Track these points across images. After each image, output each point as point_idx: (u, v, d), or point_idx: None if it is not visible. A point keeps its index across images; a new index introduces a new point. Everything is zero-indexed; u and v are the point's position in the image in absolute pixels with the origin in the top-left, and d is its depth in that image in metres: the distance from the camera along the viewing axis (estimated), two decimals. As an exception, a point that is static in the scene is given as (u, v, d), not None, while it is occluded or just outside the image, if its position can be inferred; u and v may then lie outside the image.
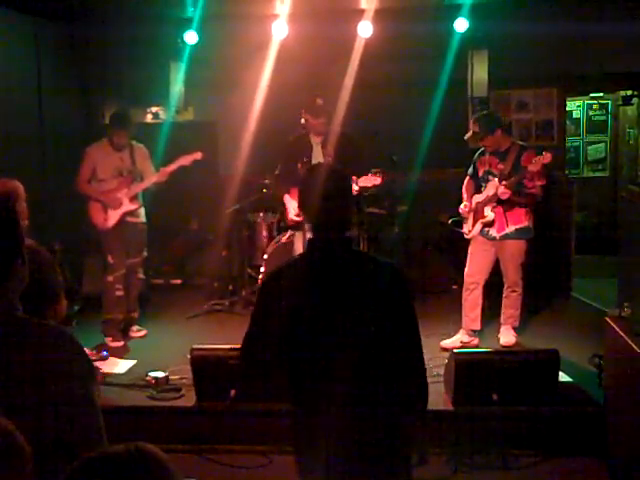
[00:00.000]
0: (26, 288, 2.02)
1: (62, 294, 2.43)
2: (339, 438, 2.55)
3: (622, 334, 4.15)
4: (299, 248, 5.77)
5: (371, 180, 5.71)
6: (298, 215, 5.58)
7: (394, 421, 2.61)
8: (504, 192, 5.75)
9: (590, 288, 7.91)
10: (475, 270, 6.04)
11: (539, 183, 5.80)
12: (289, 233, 6.42)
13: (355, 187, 5.55)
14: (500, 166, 5.88)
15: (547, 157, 5.57)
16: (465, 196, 6.21)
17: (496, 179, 5.87)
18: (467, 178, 6.24)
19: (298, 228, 5.85)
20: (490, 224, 5.93)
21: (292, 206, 5.78)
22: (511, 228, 5.91)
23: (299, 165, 5.55)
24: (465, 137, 6.06)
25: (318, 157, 5.81)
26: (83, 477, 1.26)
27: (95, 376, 2.10)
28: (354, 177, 5.57)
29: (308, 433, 2.64)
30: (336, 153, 5.78)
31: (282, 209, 6.33)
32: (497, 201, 5.86)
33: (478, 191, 6.10)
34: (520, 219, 5.92)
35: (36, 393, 1.86)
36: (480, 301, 6.08)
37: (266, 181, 7.16)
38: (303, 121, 5.86)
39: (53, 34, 7.69)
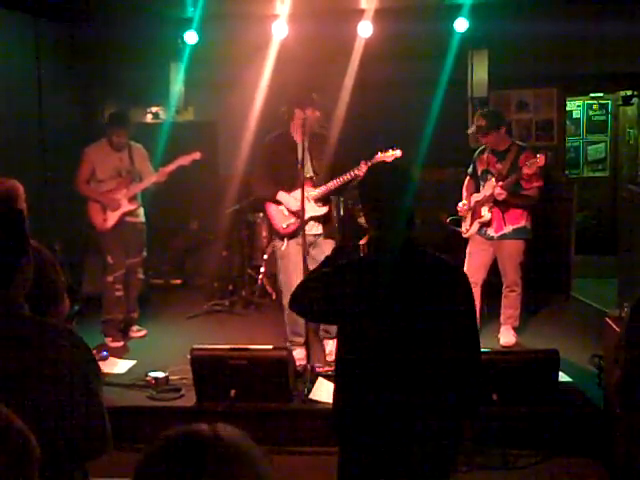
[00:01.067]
0: (29, 288, 2.03)
1: (64, 294, 2.43)
2: (387, 431, 2.57)
3: (622, 334, 4.14)
4: (289, 252, 5.63)
5: (390, 157, 5.46)
6: (300, 208, 5.45)
7: (444, 420, 2.64)
8: (500, 193, 5.76)
9: (590, 288, 7.91)
10: (473, 270, 6.04)
11: (536, 184, 5.80)
12: (285, 241, 5.83)
13: (363, 169, 5.30)
14: (498, 166, 5.89)
15: (541, 160, 5.56)
16: (465, 195, 6.22)
17: (494, 179, 5.87)
18: (467, 178, 6.25)
19: (294, 235, 5.66)
20: (487, 224, 5.94)
21: (289, 200, 5.59)
22: (509, 228, 5.92)
23: (299, 167, 5.38)
24: (469, 131, 6.05)
25: (301, 157, 5.63)
26: (163, 454, 1.26)
27: (100, 375, 2.11)
28: (363, 162, 5.40)
29: (354, 428, 2.66)
30: (314, 154, 5.66)
31: (266, 215, 5.97)
32: (494, 201, 5.86)
33: (478, 190, 6.11)
34: (518, 219, 5.92)
35: (41, 391, 1.87)
36: (478, 301, 6.08)
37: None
38: (301, 117, 5.65)
39: (53, 34, 7.69)
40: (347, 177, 5.43)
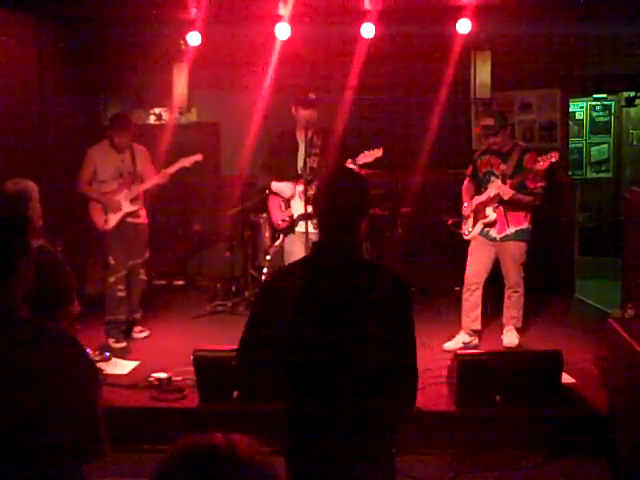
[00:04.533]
0: (38, 288, 2.03)
1: (74, 295, 2.42)
2: (332, 436, 2.57)
3: (625, 335, 4.14)
4: (294, 251, 5.69)
5: (371, 155, 5.54)
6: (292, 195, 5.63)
7: (383, 422, 2.65)
8: (507, 192, 5.74)
9: (593, 289, 7.90)
10: (476, 271, 6.04)
11: (540, 185, 5.80)
12: (281, 237, 6.18)
13: (354, 167, 5.37)
14: (502, 167, 5.88)
15: (555, 155, 5.57)
16: (465, 197, 6.20)
17: (498, 180, 5.86)
18: (466, 179, 6.23)
19: (288, 231, 5.75)
20: (492, 224, 5.93)
21: (282, 187, 5.68)
22: (511, 229, 5.91)
23: (300, 164, 5.48)
24: (476, 131, 6.06)
25: (302, 155, 5.66)
26: (177, 465, 1.26)
27: (97, 377, 2.10)
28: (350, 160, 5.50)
29: (302, 432, 2.65)
30: (321, 151, 5.70)
31: (267, 209, 6.10)
32: (499, 201, 5.86)
33: (477, 191, 6.09)
34: (520, 220, 5.92)
35: (36, 393, 1.87)
36: (480, 301, 6.08)
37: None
38: (301, 116, 5.70)
39: (55, 35, 7.69)
40: None
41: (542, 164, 5.59)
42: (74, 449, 1.97)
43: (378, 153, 5.53)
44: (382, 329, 2.57)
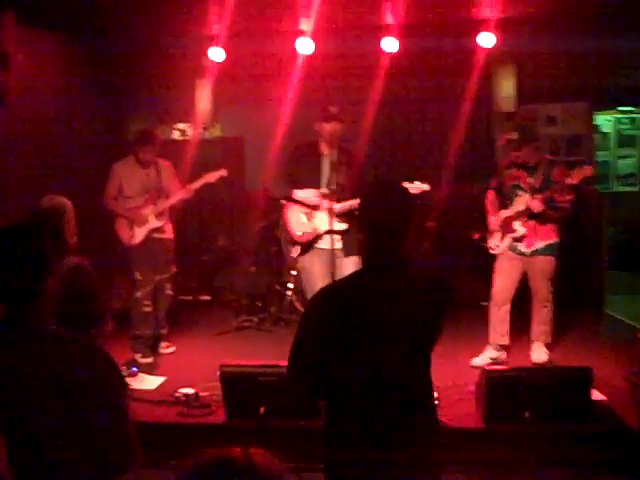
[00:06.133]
0: (74, 307, 2.04)
1: (107, 314, 2.42)
2: (379, 448, 2.58)
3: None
4: (314, 269, 5.59)
5: (418, 187, 5.33)
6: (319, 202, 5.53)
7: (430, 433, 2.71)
8: (537, 205, 5.68)
9: (623, 305, 7.79)
10: (504, 286, 5.97)
11: (569, 198, 5.74)
12: (297, 248, 5.79)
13: None
14: (530, 180, 5.82)
15: (588, 169, 5.51)
16: (490, 211, 6.12)
17: (526, 194, 5.80)
18: (491, 193, 6.13)
19: (309, 246, 5.60)
20: (520, 239, 5.87)
21: (308, 195, 5.58)
22: (540, 244, 5.85)
23: (315, 176, 5.44)
24: (499, 142, 6.00)
25: (325, 169, 5.59)
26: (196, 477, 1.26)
27: (127, 391, 2.11)
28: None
29: (343, 445, 2.69)
30: (341, 168, 5.62)
31: (283, 218, 5.87)
32: (529, 216, 5.79)
33: (502, 205, 6.03)
34: (549, 235, 5.86)
35: (67, 406, 1.87)
36: (509, 317, 6.00)
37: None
38: (324, 131, 5.64)
39: (80, 51, 7.77)
40: None
41: (574, 178, 5.52)
42: (106, 462, 1.97)
43: (425, 187, 5.39)
44: (429, 334, 2.70)
